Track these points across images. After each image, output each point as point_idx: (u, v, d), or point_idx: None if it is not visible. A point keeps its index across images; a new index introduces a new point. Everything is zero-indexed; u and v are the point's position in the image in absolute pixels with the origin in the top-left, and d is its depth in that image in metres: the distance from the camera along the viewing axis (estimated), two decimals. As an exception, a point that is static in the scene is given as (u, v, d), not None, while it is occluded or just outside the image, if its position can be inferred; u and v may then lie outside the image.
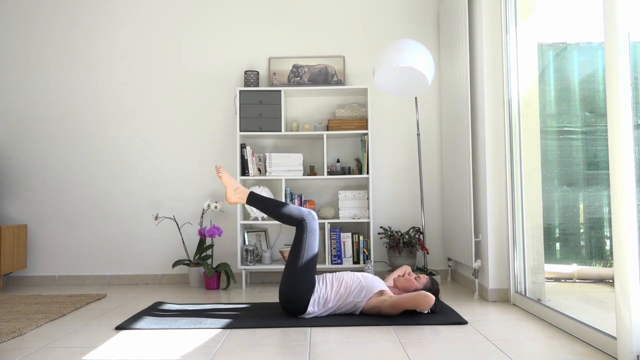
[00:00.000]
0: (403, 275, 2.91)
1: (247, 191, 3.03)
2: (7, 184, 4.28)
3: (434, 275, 3.77)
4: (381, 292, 2.79)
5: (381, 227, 4.09)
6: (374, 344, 2.29)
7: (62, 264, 4.24)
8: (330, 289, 2.80)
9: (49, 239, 4.25)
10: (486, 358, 2.08)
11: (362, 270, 3.85)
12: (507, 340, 2.34)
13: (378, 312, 2.77)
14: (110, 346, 2.33)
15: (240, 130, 3.96)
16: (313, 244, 2.84)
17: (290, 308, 2.79)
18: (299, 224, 2.87)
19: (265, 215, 3.91)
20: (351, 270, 3.48)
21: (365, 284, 2.80)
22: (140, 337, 2.48)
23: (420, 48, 3.60)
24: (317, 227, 2.88)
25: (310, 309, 2.76)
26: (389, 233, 3.92)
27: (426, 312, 2.75)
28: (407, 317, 2.73)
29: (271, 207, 2.94)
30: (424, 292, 2.69)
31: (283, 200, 3.95)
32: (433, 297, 2.66)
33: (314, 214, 2.91)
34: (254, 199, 2.99)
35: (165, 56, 4.33)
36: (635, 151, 1.97)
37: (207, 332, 2.55)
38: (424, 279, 2.88)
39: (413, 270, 3.82)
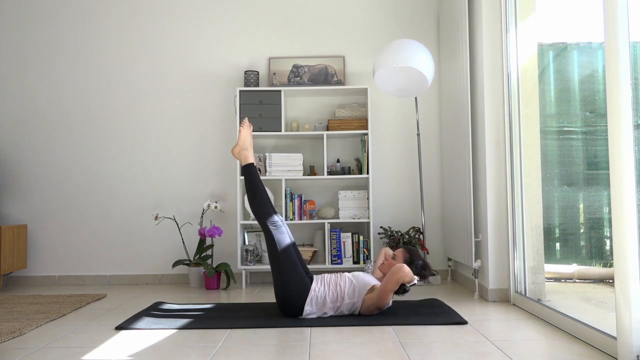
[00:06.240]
0: (383, 263, 2.91)
1: (249, 161, 3.03)
2: (7, 184, 4.28)
3: (433, 275, 3.77)
4: (373, 288, 2.78)
5: (381, 227, 4.09)
6: (374, 344, 2.29)
7: (62, 264, 4.24)
8: (328, 289, 2.79)
9: (49, 239, 4.25)
10: (486, 358, 2.08)
11: (362, 270, 3.84)
12: (507, 340, 2.34)
13: (375, 308, 2.76)
14: (110, 346, 2.33)
15: (240, 130, 3.96)
16: (282, 239, 2.84)
17: (287, 309, 2.79)
18: (265, 221, 2.86)
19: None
20: (350, 271, 3.48)
21: (356, 283, 2.78)
22: (140, 337, 2.48)
23: (420, 48, 3.60)
24: (280, 223, 2.88)
25: (307, 308, 2.75)
26: (389, 233, 3.92)
27: (416, 281, 2.69)
28: (407, 317, 2.73)
29: (253, 189, 2.94)
30: (396, 265, 2.67)
31: (282, 200, 3.95)
32: (405, 265, 2.65)
33: (279, 215, 2.92)
34: (248, 171, 2.99)
35: (165, 56, 4.33)
36: (635, 151, 1.97)
37: (207, 332, 2.55)
38: (400, 254, 2.86)
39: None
